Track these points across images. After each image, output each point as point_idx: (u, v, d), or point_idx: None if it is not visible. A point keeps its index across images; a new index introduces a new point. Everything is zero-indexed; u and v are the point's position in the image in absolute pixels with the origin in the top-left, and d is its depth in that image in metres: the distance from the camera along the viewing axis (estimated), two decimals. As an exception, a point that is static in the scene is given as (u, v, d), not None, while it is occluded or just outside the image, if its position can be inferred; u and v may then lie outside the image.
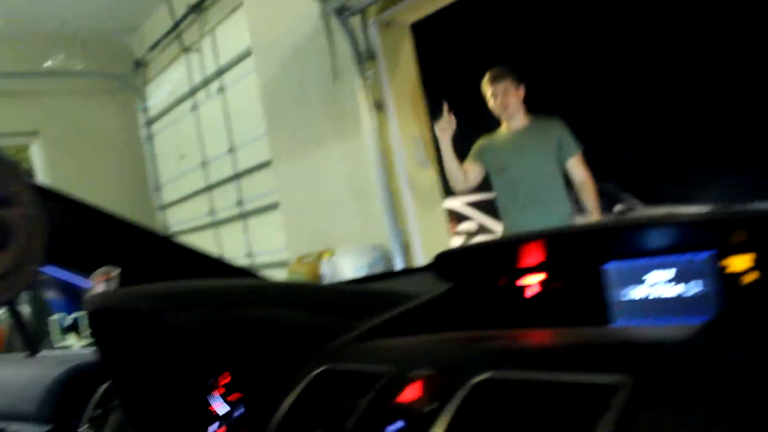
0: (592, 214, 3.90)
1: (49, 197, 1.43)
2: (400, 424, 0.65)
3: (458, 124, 3.97)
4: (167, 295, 0.94)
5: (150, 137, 8.14)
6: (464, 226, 7.64)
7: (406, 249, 4.52)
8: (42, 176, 7.44)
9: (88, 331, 1.66)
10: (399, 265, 4.49)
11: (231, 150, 6.74)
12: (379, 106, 4.51)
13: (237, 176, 6.74)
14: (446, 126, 3.89)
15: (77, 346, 1.62)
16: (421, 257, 4.47)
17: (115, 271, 1.33)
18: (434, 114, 4.28)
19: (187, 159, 7.52)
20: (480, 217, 7.75)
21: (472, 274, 1.00)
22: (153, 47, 7.56)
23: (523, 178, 3.88)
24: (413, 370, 0.68)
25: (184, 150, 7.56)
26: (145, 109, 8.09)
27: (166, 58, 7.56)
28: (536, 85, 4.30)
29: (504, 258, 0.97)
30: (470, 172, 4.06)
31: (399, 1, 4.35)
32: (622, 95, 10.19)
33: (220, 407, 1.09)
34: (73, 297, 2.04)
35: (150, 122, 8.07)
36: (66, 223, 1.44)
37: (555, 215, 3.83)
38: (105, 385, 1.40)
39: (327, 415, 0.74)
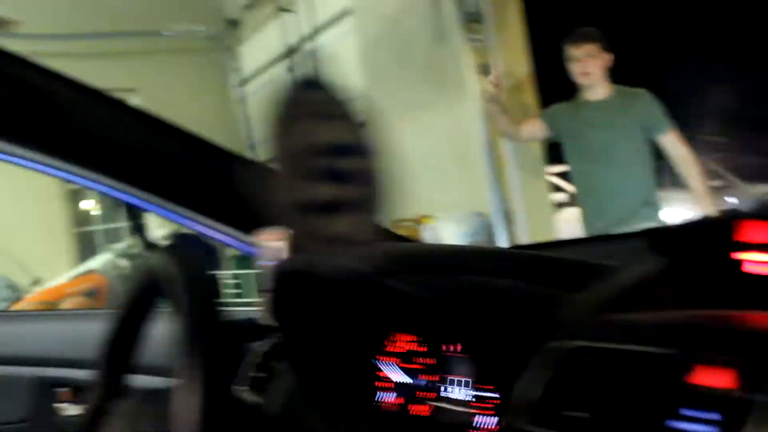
0: (699, 193, 3.59)
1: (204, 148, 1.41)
2: (703, 411, 0.59)
3: (562, 92, 3.82)
4: (390, 260, 0.89)
5: (243, 97, 8.19)
6: (555, 196, 7.53)
7: (508, 218, 4.44)
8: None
9: (226, 290, 1.66)
10: (501, 234, 4.42)
11: (325, 112, 6.72)
12: (485, 70, 4.41)
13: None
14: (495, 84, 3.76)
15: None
16: (525, 226, 4.39)
17: (286, 232, 1.30)
18: (541, 80, 4.17)
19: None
20: (571, 188, 7.66)
21: (695, 251, 0.92)
22: (247, 6, 7.58)
23: (602, 155, 3.59)
24: (703, 353, 0.62)
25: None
26: (238, 69, 8.13)
27: (261, 18, 7.57)
28: (637, 55, 4.15)
29: (729, 235, 0.89)
30: (527, 128, 3.89)
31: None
32: (724, 70, 9.79)
33: (397, 375, 1.05)
34: (207, 253, 2.03)
35: (243, 82, 8.11)
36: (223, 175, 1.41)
37: (637, 195, 3.56)
38: (264, 347, 1.37)
39: (595, 396, 0.68)
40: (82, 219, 8.48)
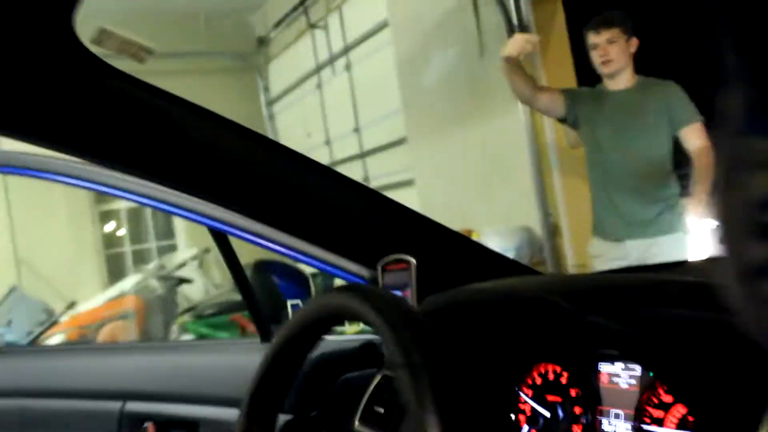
0: (700, 191, 3.19)
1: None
2: None
3: None
4: (587, 293, 0.84)
5: (272, 116, 8.19)
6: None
7: (554, 232, 4.37)
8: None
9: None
10: (547, 248, 4.35)
11: (356, 129, 6.69)
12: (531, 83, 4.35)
13: (362, 155, 6.70)
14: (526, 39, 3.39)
15: None
16: (570, 241, 4.31)
17: (411, 260, 1.25)
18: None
19: (310, 137, 7.55)
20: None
21: None
22: (277, 24, 7.58)
23: (620, 148, 3.31)
24: None
25: (307, 128, 7.58)
26: (267, 88, 8.13)
27: (290, 36, 7.57)
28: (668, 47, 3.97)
29: None
30: (546, 97, 3.47)
31: (555, -27, 4.17)
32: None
33: (537, 408, 1.00)
34: (299, 282, 1.98)
35: (271, 101, 8.11)
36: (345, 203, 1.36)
37: (656, 195, 3.28)
38: (377, 379, 1.29)
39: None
40: (111, 241, 8.48)
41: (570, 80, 4.44)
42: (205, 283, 7.53)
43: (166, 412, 1.72)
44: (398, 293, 1.24)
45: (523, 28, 4.30)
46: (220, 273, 7.87)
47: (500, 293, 1.06)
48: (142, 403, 1.76)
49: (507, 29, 4.34)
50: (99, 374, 1.87)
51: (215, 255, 7.85)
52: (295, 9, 7.17)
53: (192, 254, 7.73)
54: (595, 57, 3.31)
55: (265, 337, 1.71)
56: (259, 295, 1.74)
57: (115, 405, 1.78)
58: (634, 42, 3.31)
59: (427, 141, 5.32)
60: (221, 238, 1.76)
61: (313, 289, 1.86)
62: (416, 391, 0.68)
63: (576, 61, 4.49)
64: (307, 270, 1.85)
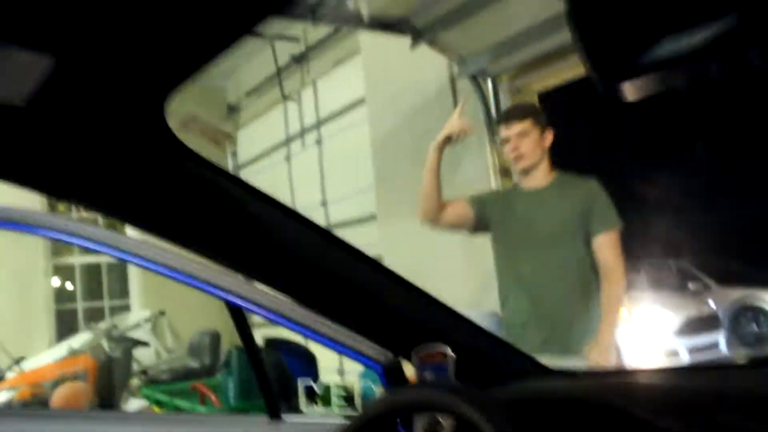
0: (608, 315, 2.83)
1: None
2: None
3: None
4: (655, 399, 0.91)
5: (237, 182, 8.21)
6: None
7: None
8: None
9: (338, 401, 1.65)
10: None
11: (323, 203, 6.76)
12: (505, 172, 4.50)
13: (329, 229, 6.74)
14: (455, 126, 2.96)
15: (319, 414, 1.59)
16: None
17: (449, 352, 1.30)
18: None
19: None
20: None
21: None
22: (249, 93, 7.69)
23: (531, 254, 2.97)
24: None
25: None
26: (235, 153, 8.18)
27: (262, 105, 7.67)
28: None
29: None
30: (452, 210, 3.11)
31: (533, 71, 4.36)
32: (698, 168, 10.12)
33: None
34: (307, 362, 2.01)
35: (239, 167, 8.15)
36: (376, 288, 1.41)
37: (568, 309, 2.89)
38: None
39: None
40: (63, 296, 8.30)
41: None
42: (157, 346, 7.41)
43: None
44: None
45: (500, 118, 4.47)
46: (173, 337, 7.75)
47: (568, 396, 1.12)
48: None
49: (485, 119, 4.50)
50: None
51: (169, 318, 7.77)
52: (269, 80, 7.29)
53: (146, 316, 7.62)
54: (507, 152, 3.05)
55: (274, 413, 1.73)
56: (271, 371, 1.76)
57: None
58: (549, 135, 3.04)
59: (398, 219, 5.41)
60: (237, 314, 1.79)
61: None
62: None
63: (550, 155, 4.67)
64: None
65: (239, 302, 1.68)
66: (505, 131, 3.03)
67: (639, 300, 8.98)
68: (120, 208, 1.11)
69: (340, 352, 1.56)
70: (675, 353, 8.35)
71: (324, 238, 1.30)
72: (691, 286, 9.58)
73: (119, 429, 1.92)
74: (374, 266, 1.36)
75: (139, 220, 1.13)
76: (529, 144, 2.98)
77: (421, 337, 1.35)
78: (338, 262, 1.32)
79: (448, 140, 3.06)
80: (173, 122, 1.11)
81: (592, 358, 2.76)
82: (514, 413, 0.90)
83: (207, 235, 1.17)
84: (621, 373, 1.43)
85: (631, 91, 0.64)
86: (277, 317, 1.60)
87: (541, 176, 3.03)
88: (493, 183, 4.52)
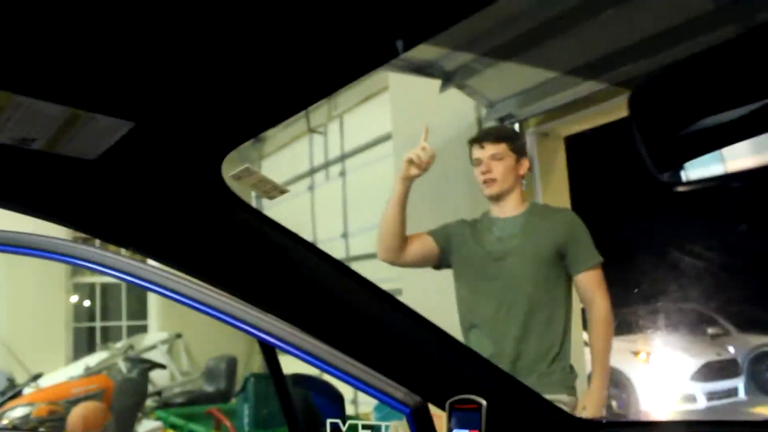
0: (597, 360, 2.69)
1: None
2: None
3: (600, 239, 3.47)
4: None
5: (260, 209, 8.30)
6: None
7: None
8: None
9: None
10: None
11: (344, 234, 6.83)
12: (529, 214, 4.54)
13: (348, 260, 6.81)
14: (417, 159, 2.72)
15: None
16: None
17: (482, 402, 1.34)
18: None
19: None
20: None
21: None
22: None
23: (497, 289, 2.72)
24: None
25: (294, 228, 7.69)
26: (258, 183, 8.27)
27: (287, 137, 7.78)
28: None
29: None
30: (417, 243, 2.91)
31: (560, 116, 4.42)
32: (723, 218, 10.11)
33: None
34: (334, 400, 2.05)
35: (261, 197, 8.25)
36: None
37: (537, 352, 2.66)
38: None
39: None
40: (82, 314, 8.39)
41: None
42: (172, 369, 7.46)
43: None
44: None
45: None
46: (189, 361, 7.79)
47: None
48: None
49: (511, 162, 4.56)
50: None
51: (186, 341, 7.82)
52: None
53: (163, 338, 7.68)
54: (477, 175, 2.82)
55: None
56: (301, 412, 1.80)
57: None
58: (525, 163, 2.83)
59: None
60: (269, 351, 1.84)
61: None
62: None
63: (573, 197, 4.72)
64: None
65: (271, 340, 1.73)
66: (477, 152, 2.82)
67: (657, 343, 8.95)
68: (173, 256, 1.17)
69: (368, 393, 1.60)
70: (692, 398, 8.28)
71: (358, 282, 1.35)
72: (710, 330, 9.54)
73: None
74: (406, 312, 1.41)
75: (186, 265, 1.19)
76: (501, 168, 2.76)
77: (450, 383, 1.40)
78: (370, 305, 1.37)
79: (415, 172, 2.79)
80: (227, 173, 1.18)
81: (586, 405, 2.60)
82: None
83: (247, 278, 1.23)
84: (644, 424, 1.46)
85: (683, 185, 0.69)
86: (305, 355, 1.64)
87: (513, 205, 2.81)
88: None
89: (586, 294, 2.71)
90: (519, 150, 2.82)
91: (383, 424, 1.62)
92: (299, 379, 2.03)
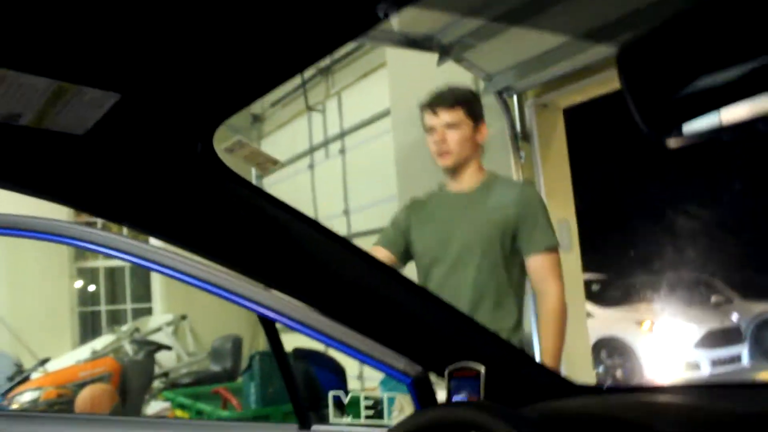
0: (546, 349, 2.44)
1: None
2: None
3: (596, 209, 3.55)
4: (678, 418, 0.95)
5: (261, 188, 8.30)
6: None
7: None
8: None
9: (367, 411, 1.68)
10: (537, 347, 4.45)
11: (345, 211, 6.83)
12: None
13: (350, 237, 6.81)
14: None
15: (348, 424, 1.63)
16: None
17: (480, 369, 1.35)
18: (581, 197, 4.28)
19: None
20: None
21: None
22: (274, 104, 7.77)
23: (444, 271, 2.51)
24: None
25: (296, 206, 7.69)
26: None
27: (286, 116, 7.75)
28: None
29: None
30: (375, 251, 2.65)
31: (559, 87, 4.40)
32: (721, 182, 10.10)
33: None
34: (336, 373, 2.06)
35: (261, 175, 8.24)
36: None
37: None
38: None
39: None
40: (86, 298, 8.42)
41: (566, 184, 4.65)
42: (178, 350, 7.49)
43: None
44: (464, 399, 1.34)
45: (525, 135, 4.52)
46: (194, 341, 7.83)
47: (595, 414, 1.16)
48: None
49: (510, 133, 4.54)
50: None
51: (191, 322, 7.85)
52: (294, 91, 7.37)
53: (168, 320, 7.71)
54: (430, 144, 2.60)
55: (303, 424, 1.78)
56: (300, 381, 1.81)
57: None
58: (484, 129, 2.59)
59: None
60: (269, 326, 1.85)
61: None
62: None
63: (573, 169, 4.71)
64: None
65: (271, 314, 1.74)
66: (430, 119, 2.56)
67: (661, 312, 8.99)
68: (165, 229, 1.17)
69: (369, 365, 1.61)
70: (697, 366, 8.33)
71: (356, 255, 1.35)
72: (713, 299, 9.57)
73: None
74: (404, 283, 1.41)
75: (183, 240, 1.19)
76: (457, 137, 2.50)
77: (450, 352, 1.40)
78: (370, 278, 1.38)
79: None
80: (220, 147, 1.18)
81: None
82: (544, 430, 0.95)
83: (244, 252, 1.24)
84: (646, 389, 1.47)
85: (675, 141, 0.68)
86: (307, 329, 1.65)
87: (469, 178, 2.57)
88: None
89: (536, 281, 2.46)
90: (476, 115, 2.58)
91: (386, 395, 1.63)
92: (300, 353, 2.04)
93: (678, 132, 0.70)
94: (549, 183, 4.56)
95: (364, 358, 1.59)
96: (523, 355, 1.52)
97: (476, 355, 1.38)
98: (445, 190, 2.69)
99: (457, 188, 2.60)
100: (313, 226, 1.28)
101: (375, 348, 1.55)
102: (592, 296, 8.92)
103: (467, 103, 2.57)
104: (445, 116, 2.51)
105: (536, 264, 2.45)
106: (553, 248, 2.50)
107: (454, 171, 2.58)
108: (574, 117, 4.77)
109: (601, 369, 8.70)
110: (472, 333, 1.44)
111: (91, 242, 1.70)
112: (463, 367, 1.35)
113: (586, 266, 5.07)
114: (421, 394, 1.50)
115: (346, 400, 1.61)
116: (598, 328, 8.49)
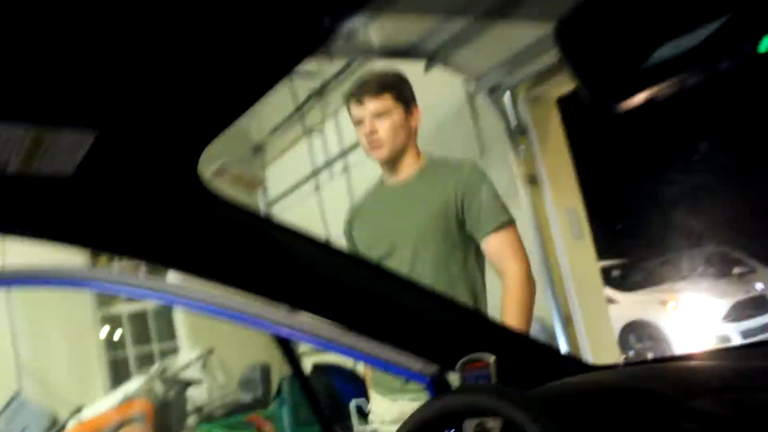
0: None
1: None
2: None
3: (605, 197, 3.53)
4: (688, 381, 0.97)
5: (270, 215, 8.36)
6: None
7: (567, 321, 4.49)
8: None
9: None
10: (561, 337, 4.47)
11: (356, 227, 6.84)
12: (532, 180, 4.56)
13: (363, 252, 6.83)
14: None
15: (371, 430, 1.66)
16: (582, 328, 4.44)
17: (491, 359, 1.36)
18: (588, 186, 4.30)
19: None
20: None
21: None
22: (273, 131, 7.82)
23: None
24: None
25: (307, 228, 7.72)
26: (265, 191, 8.31)
27: (287, 141, 7.80)
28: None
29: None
30: None
31: (550, 78, 4.43)
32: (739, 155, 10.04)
33: None
34: (355, 383, 2.08)
35: (271, 202, 8.28)
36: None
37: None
38: None
39: None
40: (113, 344, 8.48)
41: (568, 173, 4.66)
42: (209, 383, 7.53)
43: None
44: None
45: (522, 129, 4.54)
46: (224, 374, 7.86)
47: (606, 387, 1.18)
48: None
49: (506, 130, 4.57)
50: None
51: (218, 355, 7.89)
52: (291, 116, 7.41)
53: (195, 355, 7.75)
54: (361, 137, 2.40)
55: (328, 433, 1.81)
56: (320, 396, 1.82)
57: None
58: (417, 113, 2.41)
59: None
60: (284, 344, 1.88)
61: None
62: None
63: (578, 158, 4.72)
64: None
65: (285, 333, 1.77)
66: (356, 110, 2.36)
67: (685, 290, 8.93)
68: (163, 256, 1.21)
69: (387, 370, 1.64)
70: (727, 339, 8.25)
71: (362, 266, 1.39)
72: (736, 270, 9.50)
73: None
74: (408, 285, 1.44)
75: (182, 266, 1.22)
76: (388, 126, 2.30)
77: (463, 346, 1.43)
78: (377, 285, 1.41)
79: None
80: (207, 172, 1.22)
81: None
82: (557, 409, 0.97)
83: (247, 273, 1.27)
84: (658, 360, 1.49)
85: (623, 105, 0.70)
86: (322, 343, 1.68)
87: (407, 167, 2.37)
88: (522, 193, 4.58)
89: (495, 264, 2.25)
90: (407, 99, 2.38)
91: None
92: (320, 368, 2.05)
93: (623, 98, 0.71)
94: (551, 174, 4.59)
95: (381, 363, 1.62)
96: (534, 340, 1.54)
97: (486, 345, 1.41)
98: (382, 185, 2.50)
99: (395, 180, 2.41)
100: (309, 240, 1.31)
101: (391, 353, 1.57)
102: (613, 282, 8.89)
103: (394, 87, 2.38)
104: (373, 105, 2.31)
105: (490, 246, 2.24)
106: (505, 225, 2.25)
107: (391, 163, 2.38)
108: (570, 106, 4.79)
109: (631, 353, 8.65)
110: (479, 325, 1.46)
111: (110, 283, 1.75)
112: (474, 359, 1.36)
113: (604, 253, 5.07)
114: (440, 391, 1.52)
115: (367, 408, 1.63)
116: (624, 313, 8.46)
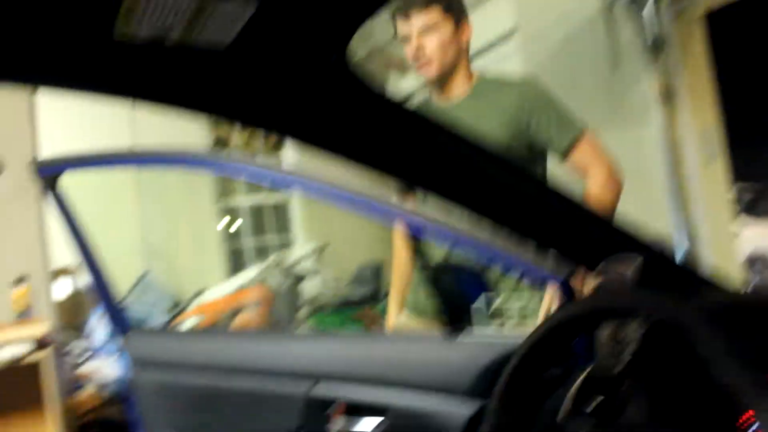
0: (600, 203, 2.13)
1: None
2: None
3: (750, 123, 3.26)
4: None
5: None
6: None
7: (692, 243, 4.35)
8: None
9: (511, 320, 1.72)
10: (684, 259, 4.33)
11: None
12: (668, 97, 4.36)
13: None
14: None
15: (495, 332, 1.65)
16: (708, 251, 4.29)
17: (638, 260, 1.31)
18: (726, 105, 4.07)
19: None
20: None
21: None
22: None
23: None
24: None
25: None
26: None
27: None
28: None
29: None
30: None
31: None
32: None
33: None
34: (480, 283, 2.08)
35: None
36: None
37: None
38: (584, 374, 1.36)
39: None
40: (231, 235, 8.79)
41: (708, 92, 4.43)
42: (322, 277, 7.75)
43: (354, 396, 1.77)
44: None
45: (661, 44, 4.31)
46: (336, 269, 8.06)
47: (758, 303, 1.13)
48: (331, 385, 1.85)
49: (643, 43, 4.36)
50: (288, 357, 1.98)
51: (332, 251, 8.09)
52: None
53: (311, 249, 7.96)
54: (408, 55, 2.28)
55: (450, 332, 1.82)
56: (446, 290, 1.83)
57: (302, 387, 1.84)
58: (467, 29, 2.30)
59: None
60: (414, 240, 1.89)
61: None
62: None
63: (716, 75, 4.47)
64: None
65: (413, 224, 1.77)
66: (402, 26, 2.24)
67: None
68: (307, 134, 1.22)
69: (518, 268, 1.62)
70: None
71: (495, 158, 1.36)
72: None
73: (295, 346, 2.03)
74: (547, 187, 1.41)
75: (326, 145, 1.23)
76: (437, 42, 2.21)
77: (598, 250, 1.39)
78: (519, 181, 1.39)
79: None
80: (358, 55, 1.21)
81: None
82: (724, 318, 0.93)
83: (388, 157, 1.27)
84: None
85: None
86: (451, 238, 1.68)
87: (458, 87, 2.27)
88: (657, 110, 4.38)
89: (582, 172, 2.21)
90: (457, 12, 2.26)
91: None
92: (444, 267, 2.06)
93: None
94: (689, 93, 4.37)
95: (512, 262, 1.60)
96: (673, 256, 1.49)
97: (626, 248, 1.36)
98: (427, 103, 2.39)
99: (447, 100, 2.29)
100: (451, 134, 1.29)
101: (522, 251, 1.55)
102: (744, 207, 8.47)
103: (443, 2, 2.24)
104: (420, 19, 2.21)
105: (574, 157, 2.19)
106: (581, 135, 2.21)
107: (441, 81, 2.29)
108: (718, 21, 4.50)
109: (757, 280, 8.30)
110: (616, 232, 1.42)
111: (231, 166, 1.79)
112: (621, 259, 1.30)
113: (739, 176, 4.84)
114: (572, 292, 1.49)
115: (489, 311, 1.63)
116: (753, 240, 8.10)
